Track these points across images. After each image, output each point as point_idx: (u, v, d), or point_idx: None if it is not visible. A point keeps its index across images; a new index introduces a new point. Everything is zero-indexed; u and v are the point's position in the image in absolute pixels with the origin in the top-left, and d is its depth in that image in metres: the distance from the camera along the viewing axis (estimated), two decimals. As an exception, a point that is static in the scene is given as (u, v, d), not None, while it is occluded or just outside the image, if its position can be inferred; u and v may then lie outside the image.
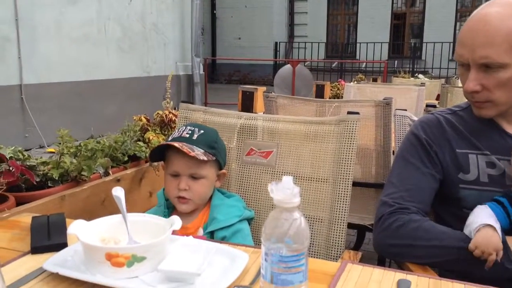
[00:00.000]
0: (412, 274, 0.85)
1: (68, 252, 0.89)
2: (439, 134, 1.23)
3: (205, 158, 1.23)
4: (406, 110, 1.54)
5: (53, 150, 1.67)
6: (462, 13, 14.63)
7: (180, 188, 1.24)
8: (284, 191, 0.67)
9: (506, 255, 1.02)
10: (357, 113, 1.41)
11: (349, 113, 1.41)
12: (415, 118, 1.49)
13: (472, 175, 1.17)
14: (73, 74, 5.83)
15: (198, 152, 1.23)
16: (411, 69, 13.46)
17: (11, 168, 1.30)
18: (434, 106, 1.57)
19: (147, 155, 1.87)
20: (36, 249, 0.94)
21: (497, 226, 1.03)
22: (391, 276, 0.84)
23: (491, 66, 1.09)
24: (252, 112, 3.54)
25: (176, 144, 1.22)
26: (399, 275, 0.84)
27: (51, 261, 0.85)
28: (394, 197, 1.19)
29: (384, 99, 2.06)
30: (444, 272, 1.09)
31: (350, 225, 2.21)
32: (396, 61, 14.40)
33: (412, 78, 7.12)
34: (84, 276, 0.80)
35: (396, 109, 1.55)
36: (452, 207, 1.19)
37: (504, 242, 1.03)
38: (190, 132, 1.30)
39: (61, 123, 3.06)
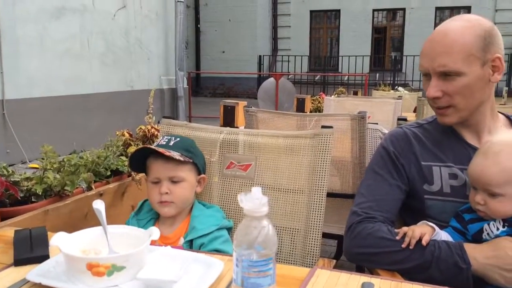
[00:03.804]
0: (376, 277, 0.91)
1: (50, 263, 0.93)
2: (406, 148, 1.31)
3: (181, 159, 1.30)
4: (377, 123, 1.61)
5: (36, 166, 1.69)
6: (440, 27, 15.00)
7: (161, 192, 1.30)
8: (253, 201, 0.73)
9: (461, 256, 1.09)
10: (331, 127, 1.47)
11: (323, 127, 1.48)
12: (386, 131, 1.56)
13: (436, 186, 1.25)
14: (55, 89, 5.83)
15: (174, 153, 1.29)
16: (392, 82, 13.73)
17: (-5, 184, 1.33)
18: (405, 119, 1.65)
19: (129, 169, 1.90)
20: (19, 261, 0.98)
21: (438, 229, 1.17)
22: (357, 279, 0.90)
23: (449, 73, 1.19)
24: (233, 126, 3.59)
25: (151, 146, 1.28)
26: (364, 278, 0.90)
27: (34, 272, 0.88)
28: (363, 207, 1.26)
29: (358, 113, 2.13)
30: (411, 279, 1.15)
31: (330, 235, 2.26)
32: (377, 74, 14.69)
33: (392, 91, 7.27)
34: (66, 286, 0.84)
35: (368, 123, 1.62)
36: (418, 216, 1.26)
37: (461, 246, 1.11)
38: (167, 140, 1.38)
39: (44, 138, 3.07)
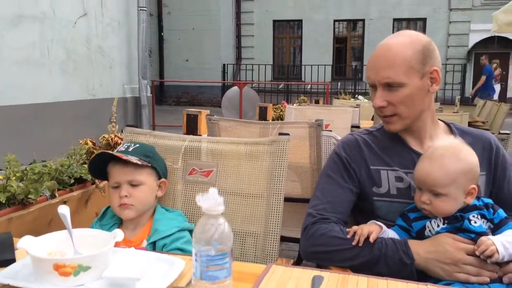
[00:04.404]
0: (326, 271, 1.00)
1: (17, 266, 0.97)
2: (357, 153, 1.41)
3: (139, 162, 1.36)
4: (331, 131, 1.71)
5: (-1, 176, 1.70)
6: (398, 38, 15.57)
7: (121, 195, 1.34)
8: (210, 201, 0.80)
9: (406, 252, 1.20)
10: (288, 134, 1.56)
11: (280, 134, 1.56)
12: (339, 138, 1.66)
13: (383, 189, 1.35)
14: (15, 98, 5.68)
15: (132, 158, 1.34)
16: (353, 91, 14.11)
17: (-43, 193, 1.34)
18: (358, 127, 1.76)
19: (92, 177, 1.93)
20: (-15, 266, 1.00)
21: (385, 228, 1.26)
22: (308, 273, 0.98)
23: (392, 85, 1.30)
24: (196, 134, 3.64)
25: (109, 151, 1.33)
26: (315, 272, 0.99)
27: (2, 274, 0.92)
28: (318, 209, 1.35)
29: (316, 120, 2.23)
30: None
31: (292, 239, 2.34)
32: (339, 83, 15.08)
33: (352, 99, 7.50)
34: (33, 286, 0.88)
35: (323, 130, 1.72)
36: (369, 216, 1.35)
37: (405, 242, 1.21)
38: (126, 146, 1.43)
39: (2, 148, 3.02)
